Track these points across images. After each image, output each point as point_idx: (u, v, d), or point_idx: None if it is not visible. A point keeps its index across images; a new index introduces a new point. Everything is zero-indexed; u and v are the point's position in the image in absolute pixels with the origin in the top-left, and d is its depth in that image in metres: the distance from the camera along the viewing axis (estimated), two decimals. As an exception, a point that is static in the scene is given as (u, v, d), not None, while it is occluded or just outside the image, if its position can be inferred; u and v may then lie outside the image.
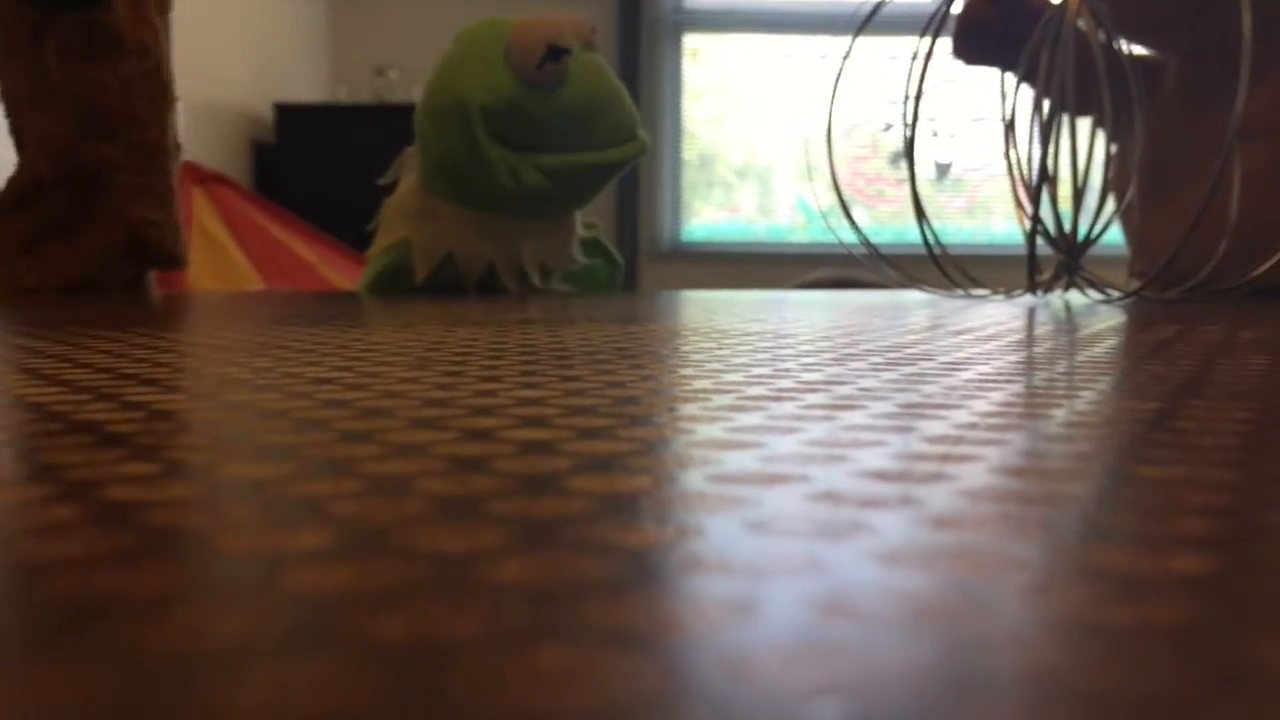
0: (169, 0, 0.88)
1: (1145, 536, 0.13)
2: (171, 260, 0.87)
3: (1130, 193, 0.82)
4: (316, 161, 2.59)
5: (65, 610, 0.10)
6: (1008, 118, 0.81)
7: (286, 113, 2.62)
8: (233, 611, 0.10)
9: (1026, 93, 0.82)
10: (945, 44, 0.85)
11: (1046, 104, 0.76)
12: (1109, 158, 0.79)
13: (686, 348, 0.37)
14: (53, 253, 0.84)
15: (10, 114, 0.86)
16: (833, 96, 0.85)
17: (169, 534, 0.13)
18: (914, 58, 0.80)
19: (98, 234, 0.84)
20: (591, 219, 0.92)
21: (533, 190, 0.79)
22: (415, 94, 0.83)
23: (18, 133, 0.86)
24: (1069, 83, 0.75)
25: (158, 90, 0.84)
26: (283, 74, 2.69)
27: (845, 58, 0.85)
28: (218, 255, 1.41)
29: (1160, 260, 0.89)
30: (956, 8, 0.86)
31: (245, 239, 1.49)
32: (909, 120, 0.83)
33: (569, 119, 0.79)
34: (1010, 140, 0.80)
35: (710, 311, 0.58)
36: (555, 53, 0.76)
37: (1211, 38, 0.85)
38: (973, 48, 0.92)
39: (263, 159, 2.62)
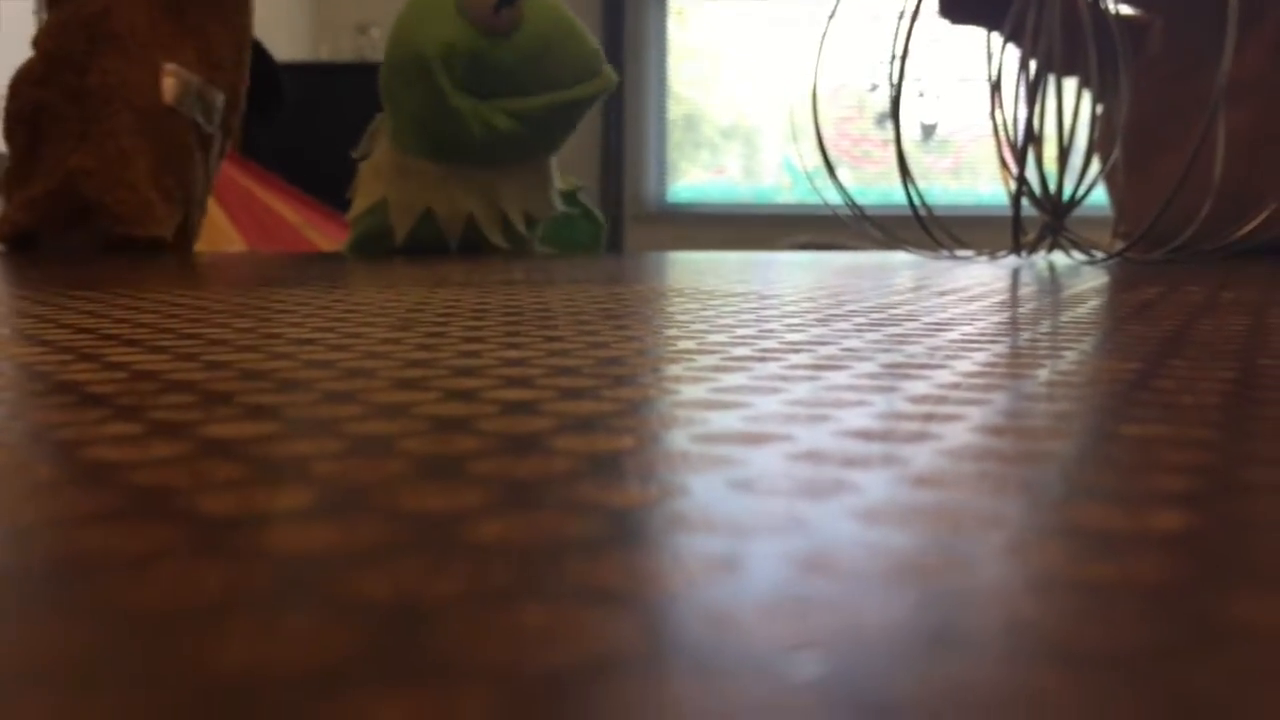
0: None
1: (1124, 494, 0.14)
2: (118, 217, 0.84)
3: (1115, 154, 0.82)
4: (298, 121, 2.56)
5: (48, 569, 0.10)
6: (993, 78, 0.81)
7: (268, 72, 2.59)
8: (215, 569, 0.10)
9: (1013, 53, 0.82)
10: (930, 4, 0.85)
11: (1032, 64, 0.76)
12: (1094, 118, 0.79)
13: (671, 309, 0.37)
14: (9, 201, 0.83)
15: None
16: (818, 57, 0.85)
17: (151, 493, 0.13)
18: (899, 17, 0.80)
19: (43, 180, 0.83)
20: (576, 179, 0.92)
21: (505, 135, 0.80)
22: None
23: None
24: (1056, 43, 0.75)
25: (103, 35, 0.83)
26: (264, 33, 2.66)
27: (831, 18, 0.84)
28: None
29: (1145, 222, 0.90)
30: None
31: (227, 200, 1.48)
32: (894, 81, 0.83)
33: (530, 60, 0.79)
34: (996, 101, 0.80)
35: (695, 272, 0.58)
36: None
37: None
38: (958, 7, 0.92)
39: (244, 118, 2.60)
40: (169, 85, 0.85)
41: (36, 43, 0.83)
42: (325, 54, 2.99)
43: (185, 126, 0.88)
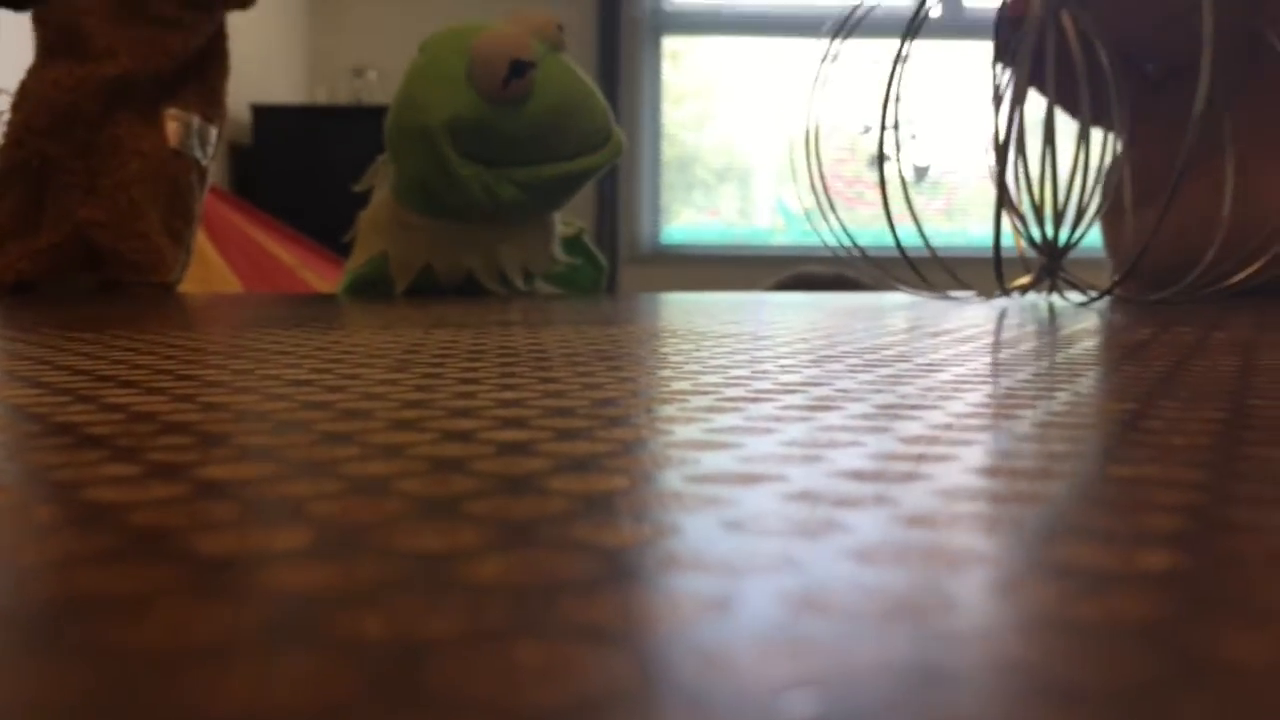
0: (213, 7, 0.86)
1: (1114, 534, 0.14)
2: (126, 265, 0.85)
3: (1101, 197, 0.82)
4: (294, 163, 2.58)
5: (46, 610, 0.11)
6: (1003, 131, 0.80)
7: (264, 114, 2.61)
8: (213, 610, 0.11)
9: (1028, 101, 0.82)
10: (922, 47, 0.85)
11: (1032, 106, 0.77)
12: (1085, 162, 0.80)
13: (665, 349, 0.37)
14: (5, 248, 0.83)
15: None
16: (811, 100, 0.85)
17: (149, 534, 0.13)
18: (896, 60, 0.81)
19: (46, 233, 0.83)
20: (574, 220, 0.92)
21: (508, 204, 0.78)
22: (393, 95, 0.83)
23: None
24: (1049, 84, 0.76)
25: (121, 95, 0.83)
26: (260, 76, 2.68)
27: (824, 61, 0.85)
28: (195, 258, 1.40)
29: (1151, 262, 0.90)
30: (934, 13, 0.86)
31: (223, 242, 1.49)
32: (885, 124, 0.83)
33: (540, 130, 0.78)
34: (1001, 147, 0.80)
35: (689, 314, 0.58)
36: (519, 68, 0.75)
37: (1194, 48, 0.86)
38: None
39: (240, 161, 2.61)
40: (172, 130, 0.86)
41: (42, 94, 0.83)
42: (321, 97, 3.01)
43: (188, 165, 0.89)
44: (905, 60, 0.82)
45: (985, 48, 0.87)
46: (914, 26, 0.81)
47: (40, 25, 0.84)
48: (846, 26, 0.84)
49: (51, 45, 0.83)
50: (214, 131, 0.90)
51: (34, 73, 0.84)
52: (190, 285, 0.94)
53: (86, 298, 0.78)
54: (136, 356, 0.34)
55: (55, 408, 0.23)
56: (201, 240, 1.32)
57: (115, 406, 0.23)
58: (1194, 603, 0.11)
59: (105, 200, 0.83)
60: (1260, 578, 0.12)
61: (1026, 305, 0.72)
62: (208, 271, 1.35)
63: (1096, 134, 0.82)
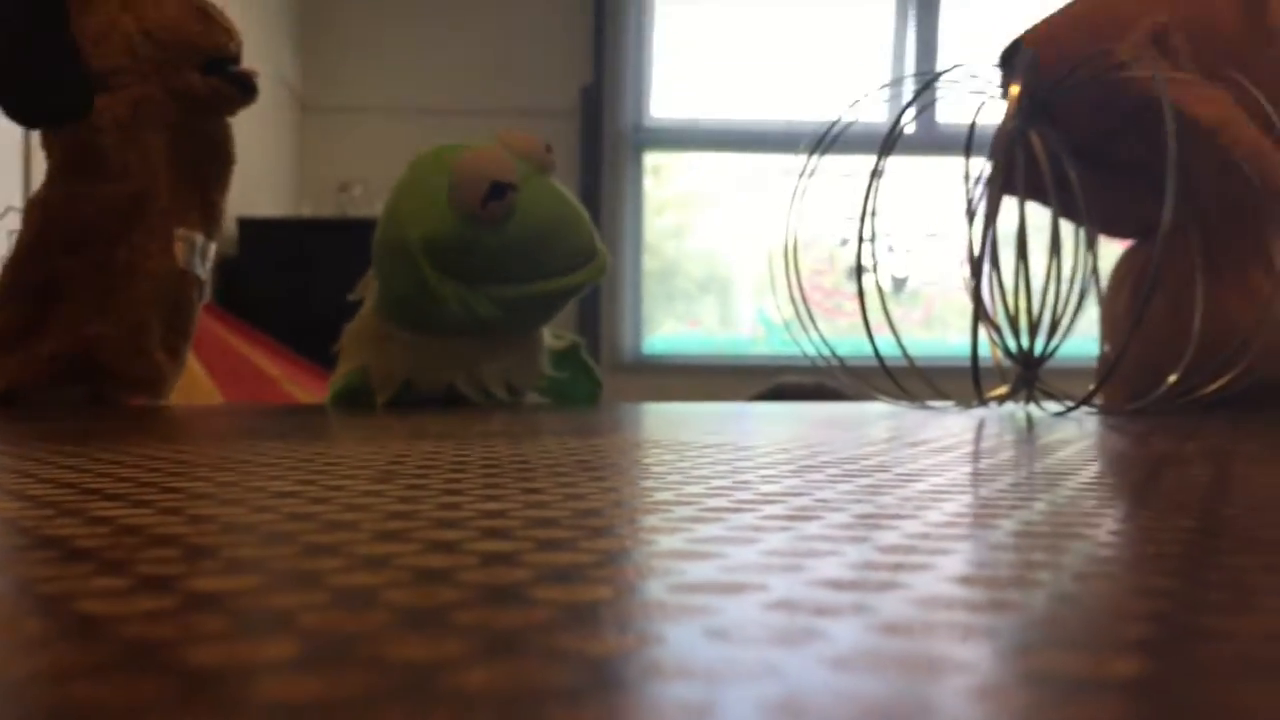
0: (213, 132, 0.88)
1: (1086, 642, 0.14)
2: (129, 382, 0.86)
3: (1070, 306, 0.83)
4: (280, 275, 2.60)
5: (40, 721, 0.11)
6: (977, 245, 0.82)
7: (250, 226, 2.63)
8: (205, 721, 0.11)
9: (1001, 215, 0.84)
10: (898, 163, 0.88)
11: (993, 215, 0.78)
12: (1058, 274, 0.82)
13: (648, 460, 0.37)
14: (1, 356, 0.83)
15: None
16: (791, 212, 0.87)
17: (139, 646, 0.13)
18: (873, 175, 0.83)
19: (48, 344, 0.83)
20: (568, 334, 0.92)
21: (487, 321, 0.79)
22: (379, 209, 0.84)
23: None
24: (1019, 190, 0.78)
25: (136, 213, 0.84)
26: (248, 189, 2.72)
27: (802, 175, 0.87)
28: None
29: (1131, 375, 0.91)
30: (909, 129, 0.89)
31: (206, 353, 1.49)
32: (862, 236, 0.85)
33: (521, 250, 0.78)
34: (976, 261, 0.82)
35: (671, 424, 0.59)
36: (499, 189, 0.75)
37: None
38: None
39: (225, 273, 2.63)
40: (180, 250, 0.87)
41: (59, 211, 0.83)
42: (308, 210, 3.04)
43: (191, 283, 0.89)
44: (881, 175, 0.84)
45: (959, 163, 0.89)
46: (889, 142, 0.83)
47: (50, 142, 0.85)
48: (823, 142, 0.87)
49: (64, 162, 0.84)
50: (213, 247, 0.91)
51: (48, 188, 0.85)
52: (173, 396, 0.94)
53: (70, 411, 0.78)
54: (121, 469, 0.34)
55: (42, 521, 0.23)
56: (185, 351, 1.33)
57: (102, 519, 0.23)
58: (1163, 709, 0.11)
59: (114, 318, 0.84)
60: (1225, 684, 0.12)
61: (1004, 415, 0.73)
62: (190, 383, 1.35)
63: (1069, 244, 0.84)
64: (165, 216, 0.86)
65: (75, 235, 0.83)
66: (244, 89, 0.87)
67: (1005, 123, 0.73)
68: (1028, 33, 0.87)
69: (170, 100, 0.85)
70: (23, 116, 0.83)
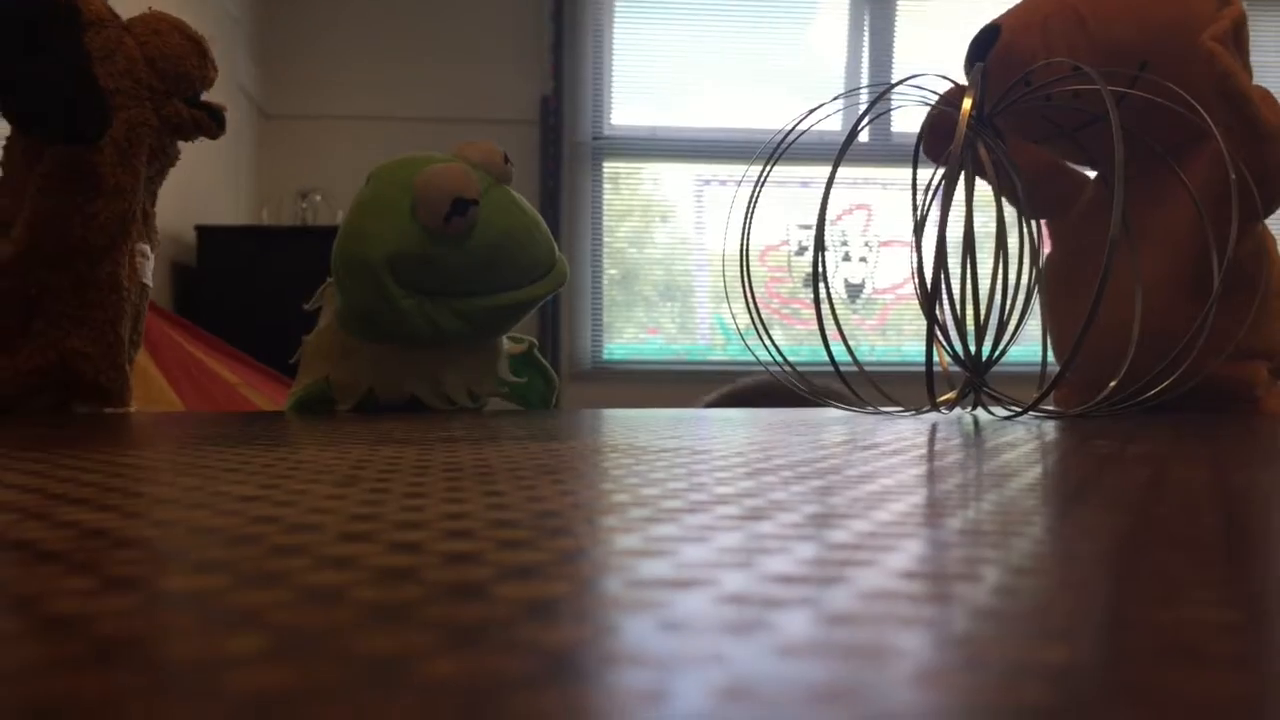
0: (172, 153, 0.90)
1: (1021, 631, 0.15)
2: (102, 394, 0.87)
3: (1020, 302, 0.85)
4: (239, 282, 2.58)
5: (15, 717, 0.11)
6: (929, 255, 0.83)
7: (208, 235, 2.62)
8: (179, 712, 0.11)
9: (935, 212, 0.86)
10: (853, 172, 0.89)
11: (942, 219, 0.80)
12: (1004, 279, 0.83)
13: (606, 464, 0.38)
14: None
15: None
16: (747, 221, 0.88)
17: (112, 642, 0.14)
18: (829, 183, 0.84)
19: (29, 357, 0.84)
20: (524, 336, 0.93)
21: (450, 333, 0.80)
22: (338, 217, 0.85)
23: None
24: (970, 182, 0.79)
25: (121, 231, 0.85)
26: (206, 197, 2.70)
27: (758, 184, 0.88)
28: (137, 377, 1.39)
29: (1075, 380, 0.93)
30: (863, 138, 0.90)
31: (165, 360, 1.48)
32: (818, 245, 0.86)
33: (483, 263, 0.79)
34: (918, 263, 0.83)
35: (629, 429, 0.59)
36: (461, 206, 0.76)
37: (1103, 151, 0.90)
38: (940, 148, 0.93)
39: (184, 280, 2.61)
40: (142, 265, 0.89)
41: (51, 226, 0.83)
42: (267, 218, 3.03)
43: (146, 295, 0.91)
44: (835, 183, 0.85)
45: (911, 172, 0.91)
46: (844, 151, 0.85)
47: (38, 154, 0.85)
48: (779, 151, 0.88)
49: (57, 178, 0.84)
50: (153, 257, 0.93)
51: (36, 201, 0.84)
52: (133, 404, 0.94)
53: (31, 418, 0.78)
54: (84, 474, 0.34)
55: (9, 524, 0.24)
56: (143, 359, 1.32)
57: (69, 523, 0.24)
58: (1088, 689, 0.12)
59: (93, 333, 0.85)
60: (1152, 669, 0.13)
61: (953, 420, 0.74)
62: (149, 390, 1.34)
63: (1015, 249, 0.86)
64: (131, 238, 0.87)
65: (62, 250, 0.84)
66: (219, 121, 0.90)
67: (957, 135, 0.74)
68: (1003, 17, 0.89)
69: (159, 125, 0.87)
70: (46, 134, 0.83)
